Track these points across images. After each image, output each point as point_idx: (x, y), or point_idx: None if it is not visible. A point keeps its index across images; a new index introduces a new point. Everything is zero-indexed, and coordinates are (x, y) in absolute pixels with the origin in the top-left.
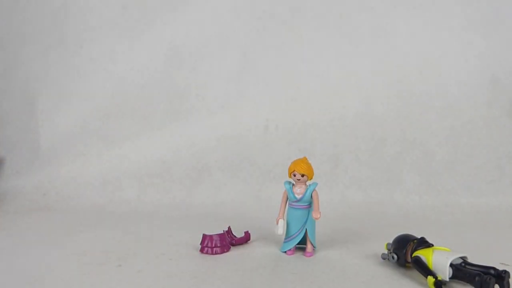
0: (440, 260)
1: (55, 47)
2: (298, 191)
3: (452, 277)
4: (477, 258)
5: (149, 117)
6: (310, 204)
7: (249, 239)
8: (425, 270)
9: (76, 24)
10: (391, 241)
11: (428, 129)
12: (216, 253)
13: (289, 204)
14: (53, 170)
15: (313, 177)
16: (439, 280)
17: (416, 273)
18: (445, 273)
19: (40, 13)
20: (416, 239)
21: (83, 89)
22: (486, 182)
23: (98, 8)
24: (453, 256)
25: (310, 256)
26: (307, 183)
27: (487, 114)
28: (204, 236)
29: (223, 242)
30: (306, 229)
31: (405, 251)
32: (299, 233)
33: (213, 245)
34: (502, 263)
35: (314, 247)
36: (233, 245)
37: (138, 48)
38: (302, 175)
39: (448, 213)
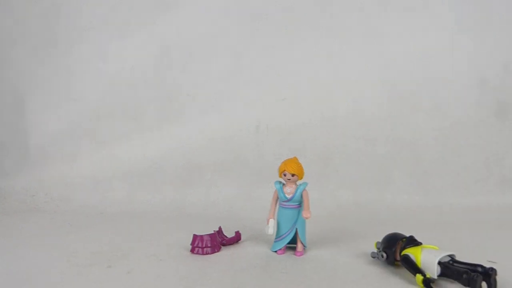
0: (428, 258)
1: (45, 47)
2: (289, 190)
3: (440, 275)
4: (465, 256)
5: (140, 117)
6: (300, 204)
7: (239, 239)
8: (413, 268)
9: (66, 24)
10: (380, 240)
11: (417, 129)
12: (206, 253)
13: (279, 203)
14: (42, 171)
15: (304, 177)
16: (428, 278)
17: (405, 271)
18: (433, 271)
19: (30, 13)
20: (405, 237)
21: (73, 89)
22: (474, 181)
23: (89, 8)
24: (441, 254)
25: (300, 255)
26: (297, 182)
27: (475, 115)
28: (195, 236)
29: (214, 242)
30: (296, 228)
31: (394, 250)
32: (290, 233)
33: (204, 245)
34: (489, 261)
35: (304, 246)
36: (224, 245)
37: (128, 48)
38: (293, 175)
39: (436, 212)
